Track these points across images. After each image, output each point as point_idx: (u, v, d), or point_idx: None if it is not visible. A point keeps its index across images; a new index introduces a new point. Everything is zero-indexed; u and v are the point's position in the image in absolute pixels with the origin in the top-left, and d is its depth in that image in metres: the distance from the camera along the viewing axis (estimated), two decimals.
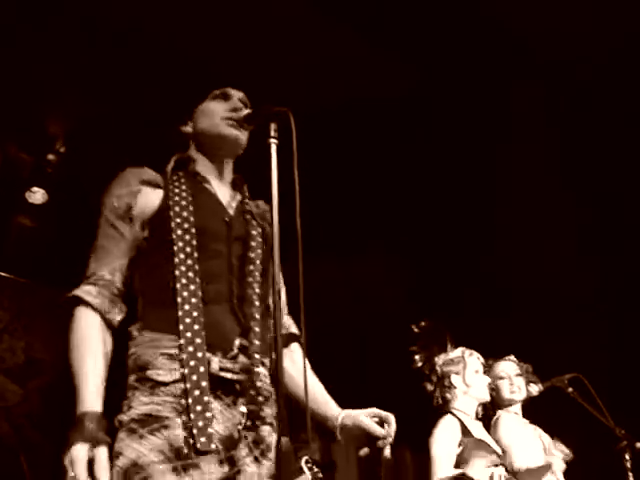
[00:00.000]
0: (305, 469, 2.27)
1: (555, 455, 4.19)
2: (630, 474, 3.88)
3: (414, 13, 4.86)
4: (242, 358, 2.09)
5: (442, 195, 5.96)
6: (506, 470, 3.94)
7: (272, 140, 2.06)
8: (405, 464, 6.70)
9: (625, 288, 5.87)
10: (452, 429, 3.87)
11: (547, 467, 3.98)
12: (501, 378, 4.39)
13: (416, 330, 4.30)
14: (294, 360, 2.38)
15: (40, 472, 5.34)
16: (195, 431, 1.95)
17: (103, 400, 2.00)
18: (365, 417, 2.23)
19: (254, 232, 2.29)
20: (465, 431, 3.90)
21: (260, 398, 2.10)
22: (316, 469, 2.88)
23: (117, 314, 2.16)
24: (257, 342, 2.13)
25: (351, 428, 2.24)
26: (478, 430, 4.02)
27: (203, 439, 1.95)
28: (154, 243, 2.18)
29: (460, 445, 3.84)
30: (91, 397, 1.99)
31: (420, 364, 4.21)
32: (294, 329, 2.45)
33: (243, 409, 2.07)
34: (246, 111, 2.27)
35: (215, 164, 2.38)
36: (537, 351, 4.56)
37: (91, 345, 2.06)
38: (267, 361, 2.15)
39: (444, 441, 3.84)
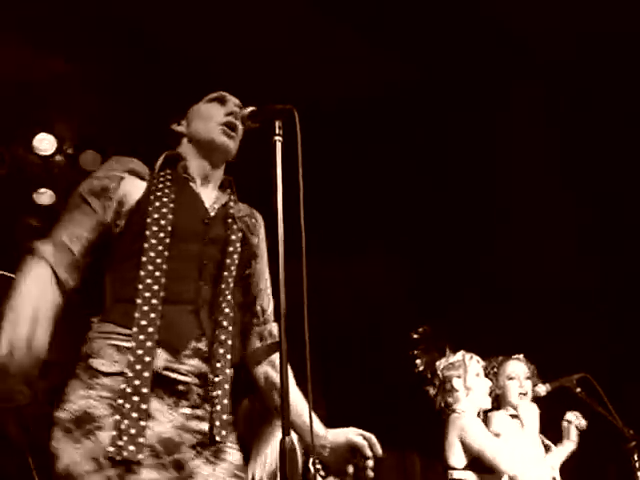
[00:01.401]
0: (312, 470, 2.26)
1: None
2: (638, 474, 3.86)
3: (414, 13, 4.86)
4: (195, 361, 2.05)
5: (442, 195, 5.95)
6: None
7: (277, 138, 2.05)
8: (414, 470, 6.68)
9: (625, 288, 5.85)
10: (474, 420, 3.90)
11: None
12: (511, 378, 4.35)
13: (416, 336, 4.31)
14: (277, 369, 2.26)
15: (48, 473, 5.34)
16: (125, 438, 1.88)
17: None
18: (354, 435, 2.19)
19: (233, 237, 2.23)
20: None
21: (206, 404, 2.05)
22: (323, 471, 2.87)
23: (70, 280, 2.11)
24: (220, 350, 2.07)
25: (339, 446, 2.19)
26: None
27: (132, 447, 1.88)
28: (128, 236, 2.13)
29: (464, 444, 3.85)
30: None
31: (422, 368, 4.20)
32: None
33: (185, 410, 2.02)
34: (250, 109, 2.25)
35: (204, 164, 2.35)
36: (537, 351, 4.54)
37: (34, 304, 2.03)
38: (228, 371, 2.09)
39: (479, 430, 3.86)
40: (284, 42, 4.92)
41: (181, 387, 2.02)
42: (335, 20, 4.89)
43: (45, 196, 5.68)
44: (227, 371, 2.08)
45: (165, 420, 1.97)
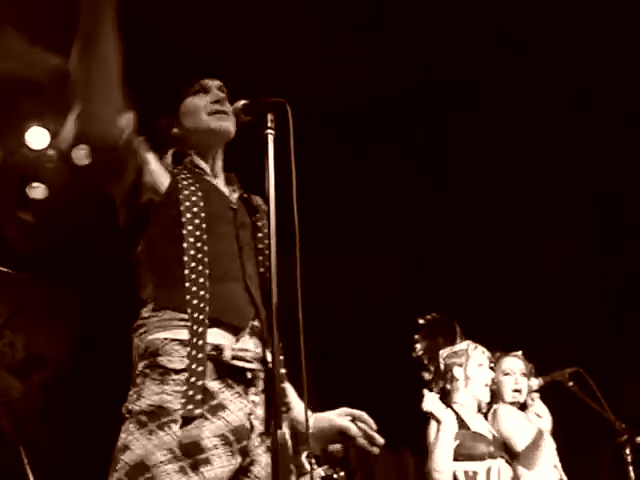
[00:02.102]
0: (306, 464, 2.26)
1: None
2: (630, 468, 3.87)
3: (414, 13, 4.87)
4: (254, 341, 2.09)
5: (442, 194, 5.96)
6: (508, 462, 3.93)
7: (269, 131, 2.07)
8: (407, 467, 6.69)
9: (625, 288, 5.86)
10: (448, 422, 3.85)
11: (540, 434, 3.95)
12: (506, 374, 4.36)
13: (422, 321, 4.29)
14: None
15: (41, 468, 5.34)
16: (184, 399, 1.94)
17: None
18: (339, 417, 2.22)
19: (259, 223, 2.30)
20: (462, 424, 3.89)
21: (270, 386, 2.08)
22: (316, 465, 2.87)
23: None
24: (273, 323, 2.10)
25: (326, 430, 2.22)
26: (479, 423, 4.01)
27: (190, 406, 1.93)
28: (162, 224, 2.17)
29: (456, 439, 3.83)
30: None
31: (420, 353, 4.20)
32: None
33: (254, 398, 2.06)
34: (242, 102, 2.25)
35: (207, 161, 2.38)
36: (537, 351, 4.55)
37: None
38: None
39: (440, 435, 3.82)
40: (284, 42, 4.92)
41: (249, 374, 2.06)
42: (335, 20, 4.89)
43: (38, 190, 5.67)
44: (279, 355, 2.12)
45: (236, 409, 2.01)
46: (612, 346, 5.79)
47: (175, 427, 1.93)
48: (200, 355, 1.97)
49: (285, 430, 1.86)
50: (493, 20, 4.91)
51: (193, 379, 1.95)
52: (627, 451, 3.90)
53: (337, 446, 2.24)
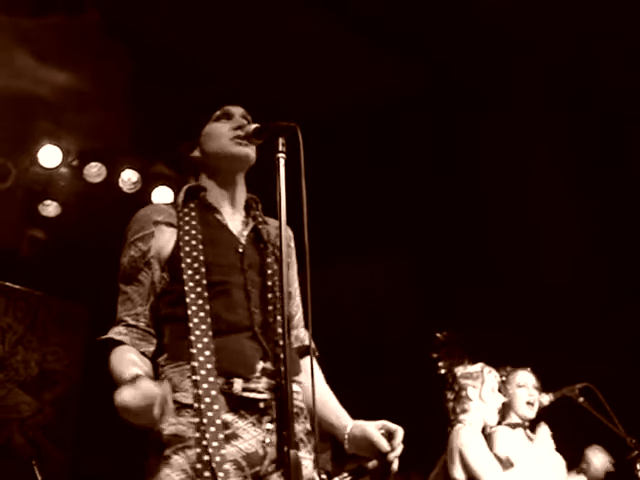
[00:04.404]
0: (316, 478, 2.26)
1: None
2: None
3: (414, 14, 4.89)
4: (266, 380, 2.13)
5: (443, 197, 5.96)
6: None
7: (280, 155, 2.09)
8: None
9: (634, 299, 5.83)
10: (477, 436, 3.88)
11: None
12: (520, 387, 4.36)
13: (440, 338, 4.29)
14: (307, 372, 2.31)
15: None
16: (214, 465, 1.99)
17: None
18: (373, 429, 2.21)
19: (269, 260, 2.30)
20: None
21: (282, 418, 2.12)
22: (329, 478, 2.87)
23: (148, 346, 2.25)
24: (282, 368, 2.12)
25: (360, 439, 2.23)
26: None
27: (221, 474, 1.98)
28: (172, 281, 2.24)
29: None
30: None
31: (443, 371, 4.20)
32: (307, 342, 2.42)
33: (269, 426, 2.10)
34: (254, 126, 2.28)
35: (226, 188, 2.38)
36: (544, 360, 4.54)
37: (130, 357, 2.17)
38: (293, 386, 2.14)
39: (479, 450, 3.84)
40: (289, 50, 4.96)
41: (261, 404, 2.11)
42: (336, 24, 4.93)
43: (50, 208, 5.72)
44: (292, 386, 2.13)
45: (249, 437, 2.08)
46: (617, 355, 5.76)
47: (190, 452, 2.03)
48: (212, 401, 2.06)
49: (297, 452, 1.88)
50: (493, 20, 4.94)
51: (214, 437, 2.03)
52: (638, 466, 3.89)
53: (374, 462, 2.24)
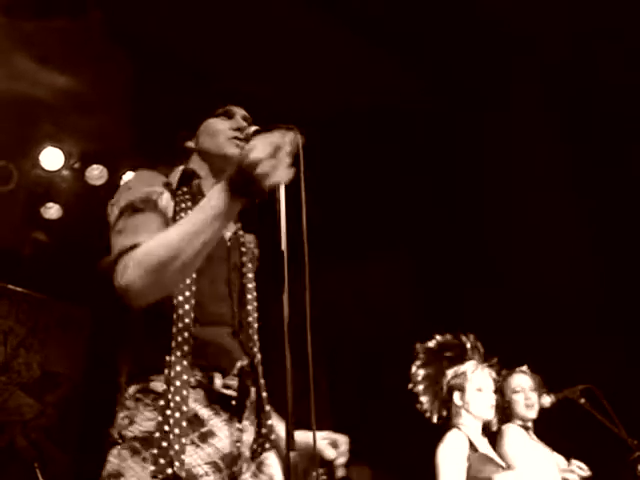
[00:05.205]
0: None
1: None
2: None
3: (414, 14, 4.89)
4: (240, 379, 2.11)
5: (442, 197, 5.97)
6: None
7: None
8: None
9: (634, 294, 5.83)
10: (459, 443, 3.82)
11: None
12: (516, 392, 4.34)
13: (431, 345, 4.24)
14: None
15: None
16: (167, 456, 1.91)
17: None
18: (318, 439, 2.21)
19: (250, 265, 2.29)
20: (472, 446, 3.85)
21: (253, 418, 2.13)
22: None
23: None
24: (258, 370, 2.16)
25: (306, 450, 2.22)
26: (484, 447, 3.96)
27: (177, 464, 1.91)
28: None
29: (467, 461, 3.79)
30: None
31: (418, 380, 4.13)
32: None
33: (239, 425, 2.08)
34: (253, 128, 2.27)
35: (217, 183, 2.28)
36: (543, 360, 4.54)
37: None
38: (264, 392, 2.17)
39: (452, 456, 3.79)
40: (289, 51, 4.97)
41: (234, 402, 2.08)
42: (336, 26, 4.94)
43: (52, 210, 5.73)
44: (263, 394, 2.17)
45: (224, 436, 2.04)
46: (622, 357, 5.76)
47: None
48: (181, 401, 1.97)
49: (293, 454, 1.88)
50: (493, 20, 4.95)
51: (177, 431, 1.94)
52: (639, 468, 3.89)
53: (322, 471, 2.27)
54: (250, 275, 2.27)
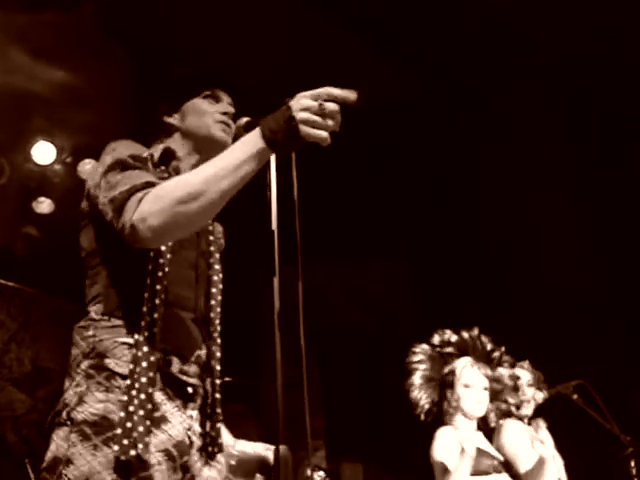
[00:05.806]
0: (315, 477, 2.27)
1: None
2: None
3: (414, 14, 4.89)
4: (196, 367, 2.08)
5: (442, 198, 5.97)
6: (512, 477, 3.90)
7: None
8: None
9: (635, 300, 5.84)
10: (450, 438, 3.81)
11: (541, 462, 3.90)
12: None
13: (435, 343, 4.22)
14: None
15: None
16: (132, 436, 1.85)
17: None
18: (262, 449, 2.25)
19: (217, 255, 2.26)
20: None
21: (208, 406, 2.11)
22: (326, 476, 2.88)
23: None
24: (213, 361, 2.12)
25: (249, 458, 2.27)
26: (479, 440, 3.96)
27: (140, 445, 1.85)
28: None
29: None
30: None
31: (418, 382, 4.11)
32: None
33: (192, 413, 2.05)
34: (245, 119, 2.24)
35: (196, 166, 2.18)
36: (542, 360, 4.54)
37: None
38: (218, 381, 2.14)
39: (446, 450, 3.79)
40: (289, 51, 4.97)
41: (189, 389, 2.06)
42: (336, 26, 4.93)
43: (44, 205, 5.70)
44: (217, 381, 2.14)
45: (176, 422, 1.99)
46: (615, 354, 5.76)
47: (119, 444, 1.85)
48: (147, 382, 1.92)
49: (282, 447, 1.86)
50: (493, 20, 4.95)
51: (141, 412, 1.88)
52: (632, 464, 3.89)
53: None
54: (217, 266, 2.23)
